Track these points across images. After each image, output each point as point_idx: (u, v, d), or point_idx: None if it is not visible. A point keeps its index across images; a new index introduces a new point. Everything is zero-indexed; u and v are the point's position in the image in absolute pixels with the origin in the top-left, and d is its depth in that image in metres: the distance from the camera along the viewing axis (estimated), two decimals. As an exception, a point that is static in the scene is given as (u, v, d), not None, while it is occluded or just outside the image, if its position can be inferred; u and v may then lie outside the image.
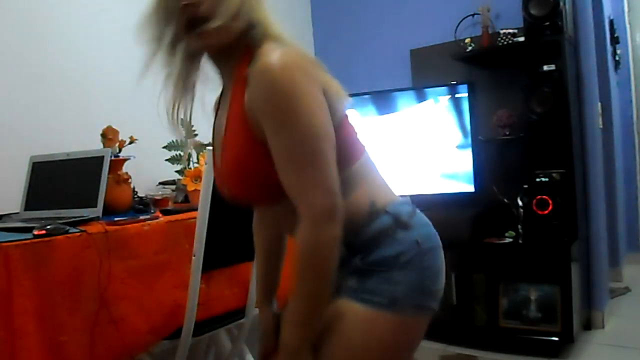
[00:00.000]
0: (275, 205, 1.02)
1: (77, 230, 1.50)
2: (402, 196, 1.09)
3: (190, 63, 1.06)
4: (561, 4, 2.62)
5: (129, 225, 1.63)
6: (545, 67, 2.69)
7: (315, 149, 0.89)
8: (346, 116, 1.02)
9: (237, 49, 0.98)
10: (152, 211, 1.95)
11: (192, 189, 2.11)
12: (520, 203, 2.77)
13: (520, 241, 2.74)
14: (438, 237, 1.06)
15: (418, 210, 1.07)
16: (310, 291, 0.93)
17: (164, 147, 2.36)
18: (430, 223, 1.08)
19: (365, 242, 0.99)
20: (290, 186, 0.91)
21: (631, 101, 4.18)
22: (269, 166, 0.93)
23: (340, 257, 0.94)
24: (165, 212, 1.88)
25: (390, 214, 1.00)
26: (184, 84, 1.06)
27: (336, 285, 0.96)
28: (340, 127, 0.98)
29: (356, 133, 1.05)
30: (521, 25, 2.74)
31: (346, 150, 0.98)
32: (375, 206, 1.00)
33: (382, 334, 0.97)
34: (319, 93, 0.92)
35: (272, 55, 0.90)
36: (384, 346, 0.97)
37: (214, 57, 1.05)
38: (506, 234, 2.80)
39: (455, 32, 3.07)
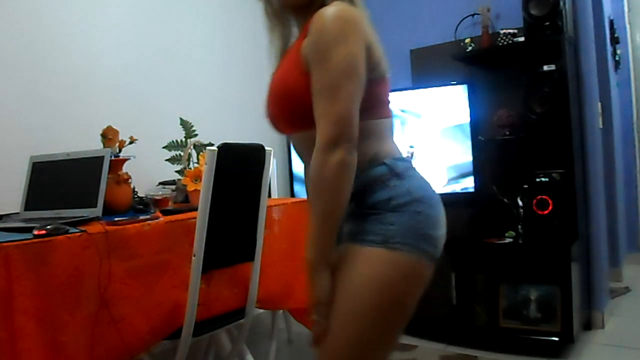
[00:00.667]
0: (298, 133, 1.15)
1: (77, 230, 1.50)
2: (406, 157, 1.16)
3: (279, 19, 1.21)
4: (561, 4, 2.62)
5: (129, 225, 1.63)
6: (545, 67, 2.69)
7: (339, 83, 1.00)
8: (384, 78, 1.12)
9: (312, 8, 1.09)
10: (152, 211, 1.95)
11: (192, 189, 2.11)
12: (520, 203, 2.77)
13: (520, 241, 2.74)
14: (433, 191, 1.13)
15: (415, 169, 1.15)
16: (318, 210, 1.02)
17: (164, 147, 2.36)
18: (425, 179, 1.14)
19: (361, 188, 1.07)
20: (315, 116, 1.03)
21: (631, 101, 4.18)
22: (303, 94, 1.05)
23: None
24: (165, 212, 1.88)
25: (386, 164, 1.09)
26: (278, 36, 1.22)
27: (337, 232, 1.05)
28: (376, 83, 1.09)
29: (388, 99, 1.15)
30: (521, 25, 2.74)
31: (373, 104, 1.08)
32: (377, 157, 1.09)
33: (377, 268, 1.03)
34: (360, 46, 1.03)
35: (331, 8, 1.03)
36: (380, 280, 1.03)
37: (294, 15, 1.20)
38: (506, 234, 2.80)
39: (455, 32, 3.07)
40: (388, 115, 1.15)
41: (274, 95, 1.15)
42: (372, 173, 1.08)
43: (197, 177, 2.09)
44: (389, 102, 1.15)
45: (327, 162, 0.99)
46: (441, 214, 1.12)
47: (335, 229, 1.03)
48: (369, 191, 1.07)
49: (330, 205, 1.01)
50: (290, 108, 1.11)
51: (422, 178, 1.14)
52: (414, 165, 1.15)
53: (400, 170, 1.09)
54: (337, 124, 1.00)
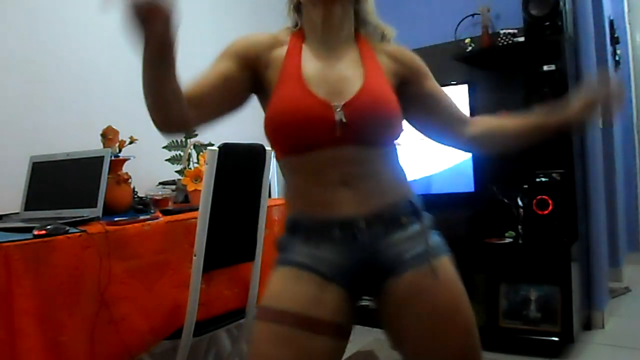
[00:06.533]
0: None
1: (77, 230, 1.50)
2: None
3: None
4: (561, 4, 2.62)
5: (129, 225, 1.63)
6: (545, 67, 2.69)
7: None
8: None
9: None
10: (152, 211, 1.95)
11: (192, 189, 2.11)
12: (520, 203, 2.77)
13: (520, 241, 2.74)
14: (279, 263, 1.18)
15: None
16: None
17: (164, 147, 2.36)
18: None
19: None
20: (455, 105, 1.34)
21: (631, 101, 4.18)
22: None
23: None
24: (165, 212, 1.88)
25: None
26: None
27: None
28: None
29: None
30: (521, 25, 2.74)
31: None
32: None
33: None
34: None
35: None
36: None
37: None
38: (506, 234, 2.80)
39: (455, 32, 3.07)
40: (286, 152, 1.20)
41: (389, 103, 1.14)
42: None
43: (197, 177, 2.09)
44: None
45: None
46: (276, 280, 1.22)
47: None
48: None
49: None
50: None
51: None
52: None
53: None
54: None
